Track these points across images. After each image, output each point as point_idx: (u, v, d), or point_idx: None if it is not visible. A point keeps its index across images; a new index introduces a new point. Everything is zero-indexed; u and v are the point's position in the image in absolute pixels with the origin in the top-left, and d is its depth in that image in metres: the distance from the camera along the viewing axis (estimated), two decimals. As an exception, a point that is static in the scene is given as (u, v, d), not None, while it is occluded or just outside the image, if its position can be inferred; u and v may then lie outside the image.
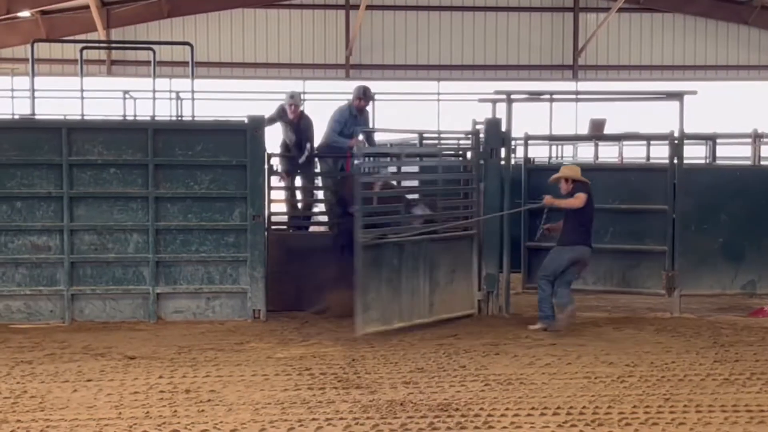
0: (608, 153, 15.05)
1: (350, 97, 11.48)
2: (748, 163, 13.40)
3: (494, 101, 10.35)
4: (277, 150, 11.19)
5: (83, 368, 7.33)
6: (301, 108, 11.32)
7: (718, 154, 13.62)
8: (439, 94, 25.23)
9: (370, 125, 12.09)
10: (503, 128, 9.96)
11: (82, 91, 14.72)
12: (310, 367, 7.42)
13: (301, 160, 10.98)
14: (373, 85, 20.29)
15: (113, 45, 24.07)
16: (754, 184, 10.31)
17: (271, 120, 11.14)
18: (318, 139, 11.67)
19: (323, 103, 11.72)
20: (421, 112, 24.32)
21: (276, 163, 10.74)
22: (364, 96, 11.38)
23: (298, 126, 11.07)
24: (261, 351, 8.03)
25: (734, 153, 15.03)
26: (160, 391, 6.67)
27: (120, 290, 9.38)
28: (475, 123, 10.34)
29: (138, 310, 9.40)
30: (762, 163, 13.10)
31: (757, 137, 13.25)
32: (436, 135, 15.49)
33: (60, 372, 7.20)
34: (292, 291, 9.91)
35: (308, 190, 11.47)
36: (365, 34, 25.64)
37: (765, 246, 10.25)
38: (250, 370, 7.28)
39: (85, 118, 13.65)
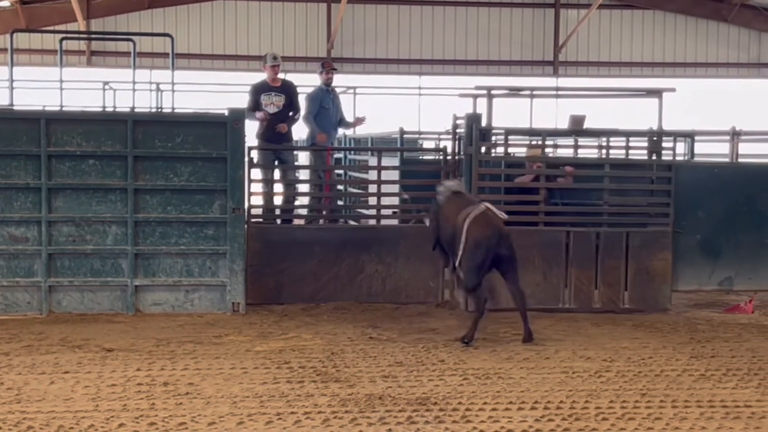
0: (588, 149, 15.12)
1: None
2: (726, 160, 13.48)
3: (475, 96, 10.37)
4: (257, 143, 11.18)
5: (60, 360, 7.29)
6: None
7: (696, 151, 13.69)
8: (420, 88, 25.27)
9: (341, 101, 12.63)
10: (483, 123, 9.99)
11: (61, 81, 14.66)
12: (289, 360, 7.41)
13: (298, 116, 11.52)
14: (354, 79, 20.26)
15: (93, 36, 23.94)
16: (731, 182, 10.36)
17: (250, 110, 11.13)
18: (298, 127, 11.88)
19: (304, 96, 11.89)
20: (401, 107, 24.37)
21: (255, 155, 10.70)
22: (324, 68, 12.02)
23: (283, 88, 11.44)
24: (240, 344, 8.02)
25: (712, 150, 15.12)
26: (138, 383, 6.65)
27: (98, 282, 9.32)
28: (455, 118, 10.35)
29: (116, 302, 9.34)
30: (740, 160, 13.18)
31: (735, 135, 13.34)
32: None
33: (37, 364, 7.16)
34: (271, 284, 9.90)
35: (289, 181, 11.53)
36: (347, 28, 25.64)
37: (742, 243, 10.31)
38: (228, 363, 7.27)
39: (65, 108, 13.58)
